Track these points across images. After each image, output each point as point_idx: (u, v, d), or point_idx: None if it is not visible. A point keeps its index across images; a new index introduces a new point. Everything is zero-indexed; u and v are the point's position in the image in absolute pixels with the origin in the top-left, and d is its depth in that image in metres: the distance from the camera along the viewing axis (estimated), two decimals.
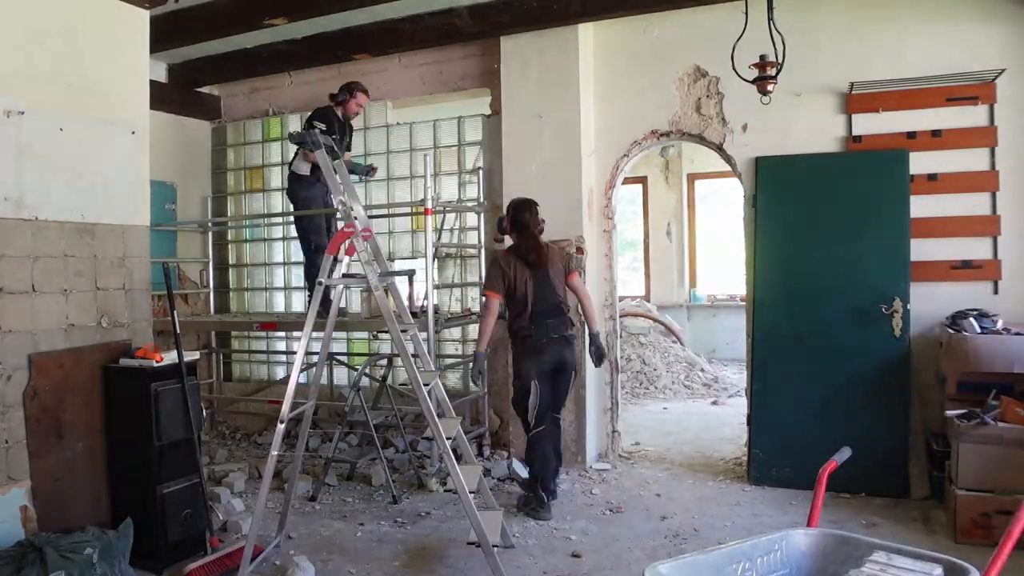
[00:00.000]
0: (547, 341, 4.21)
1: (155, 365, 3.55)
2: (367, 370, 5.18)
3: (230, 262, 6.84)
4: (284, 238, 6.58)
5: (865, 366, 4.44)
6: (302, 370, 4.04)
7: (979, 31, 4.42)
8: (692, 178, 9.88)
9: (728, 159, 5.01)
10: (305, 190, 5.25)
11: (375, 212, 5.96)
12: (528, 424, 4.24)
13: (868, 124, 4.63)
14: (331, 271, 3.57)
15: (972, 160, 4.46)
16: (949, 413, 3.94)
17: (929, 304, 4.44)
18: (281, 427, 3.40)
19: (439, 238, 5.56)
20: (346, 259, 3.71)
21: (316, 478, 4.80)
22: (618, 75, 5.29)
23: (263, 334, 6.62)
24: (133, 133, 3.83)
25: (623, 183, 5.62)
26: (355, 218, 3.51)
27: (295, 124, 6.32)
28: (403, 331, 3.51)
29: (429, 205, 4.89)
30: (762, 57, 3.93)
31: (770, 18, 3.77)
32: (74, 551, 2.90)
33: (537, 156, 5.22)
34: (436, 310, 5.14)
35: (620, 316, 5.71)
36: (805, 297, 4.61)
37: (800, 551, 2.22)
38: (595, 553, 3.69)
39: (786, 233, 4.69)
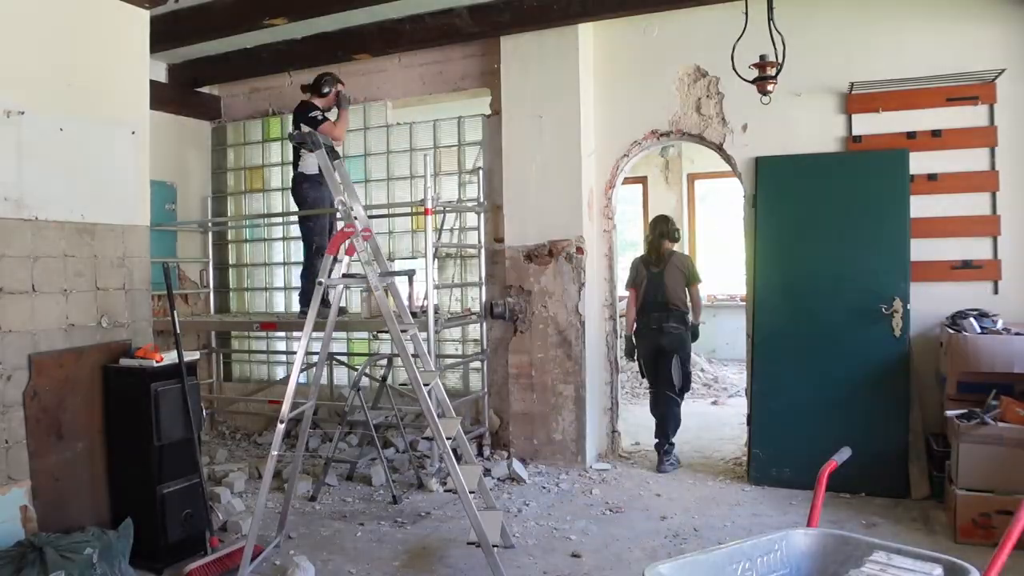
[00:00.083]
0: (647, 330, 5.25)
1: (155, 365, 3.55)
2: (367, 370, 5.18)
3: (230, 262, 6.84)
4: (284, 238, 6.58)
5: (865, 366, 4.44)
6: (302, 370, 4.04)
7: (979, 31, 4.43)
8: (692, 178, 9.87)
9: (728, 159, 5.01)
10: (315, 190, 5.23)
11: (375, 212, 5.96)
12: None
13: (868, 124, 4.63)
14: (331, 271, 3.57)
15: (972, 160, 4.46)
16: (949, 413, 3.95)
17: (929, 304, 4.44)
18: (281, 427, 3.40)
19: (439, 238, 5.56)
20: (346, 259, 3.71)
21: (316, 478, 4.80)
22: (618, 75, 5.29)
23: (263, 334, 6.62)
24: (133, 133, 3.83)
25: (623, 183, 5.62)
26: (355, 218, 3.51)
27: None
28: (403, 331, 3.51)
29: (429, 205, 4.89)
30: (762, 57, 3.93)
31: (770, 18, 3.77)
32: (74, 551, 2.90)
33: (537, 156, 5.22)
34: (436, 310, 5.14)
35: (620, 316, 5.71)
36: (805, 297, 4.61)
37: (800, 551, 2.22)
38: (595, 553, 3.69)
39: (786, 233, 4.70)
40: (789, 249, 4.69)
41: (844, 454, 2.46)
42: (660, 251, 5.29)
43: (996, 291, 4.44)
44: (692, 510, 4.28)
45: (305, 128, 4.96)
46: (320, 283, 3.45)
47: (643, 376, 5.60)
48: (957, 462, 3.72)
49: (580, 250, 5.11)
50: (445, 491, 4.69)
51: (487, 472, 4.88)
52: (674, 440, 5.21)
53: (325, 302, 3.86)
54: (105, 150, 3.68)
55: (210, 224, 6.63)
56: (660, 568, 1.99)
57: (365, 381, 5.38)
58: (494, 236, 5.57)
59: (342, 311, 5.14)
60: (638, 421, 6.61)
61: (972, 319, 4.12)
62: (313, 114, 5.11)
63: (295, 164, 5.33)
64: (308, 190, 5.25)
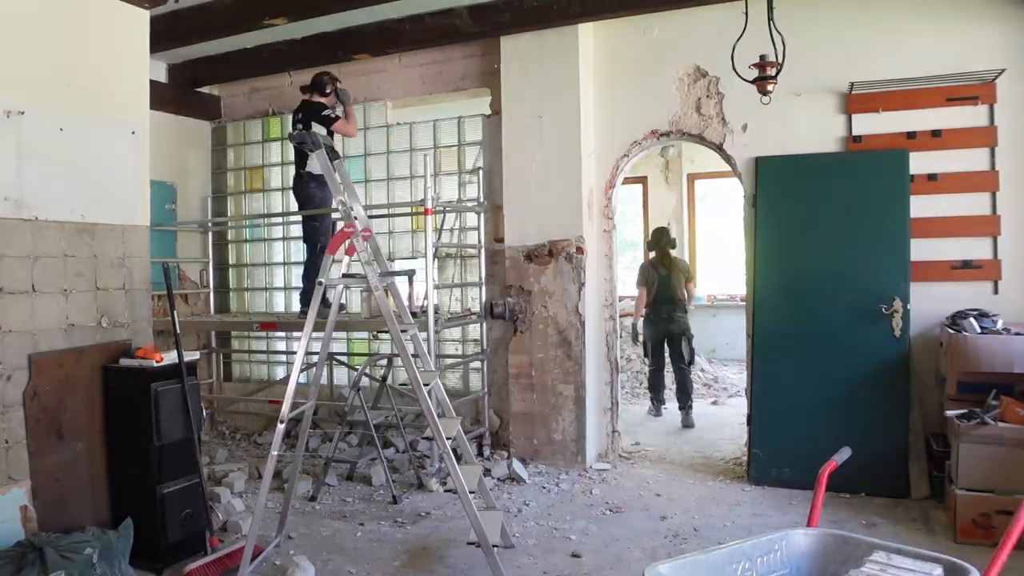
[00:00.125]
0: (658, 319, 6.61)
1: (155, 365, 3.55)
2: (367, 370, 5.18)
3: (230, 262, 6.84)
4: (284, 238, 6.58)
5: (865, 366, 4.44)
6: (302, 370, 4.04)
7: (979, 31, 4.42)
8: (692, 178, 9.87)
9: (728, 159, 5.01)
10: (322, 190, 5.23)
11: (375, 212, 5.96)
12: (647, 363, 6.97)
13: (868, 124, 4.63)
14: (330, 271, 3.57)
15: (972, 160, 4.46)
16: (949, 413, 3.95)
17: (929, 304, 4.44)
18: (281, 427, 3.40)
19: (439, 238, 5.56)
20: (346, 259, 3.71)
21: (316, 478, 4.80)
22: (618, 75, 5.29)
23: (263, 334, 6.62)
24: (133, 133, 3.83)
25: (623, 183, 5.62)
26: (355, 218, 3.51)
27: None
28: (403, 331, 3.51)
29: (429, 205, 4.89)
30: (762, 57, 3.93)
31: (770, 18, 3.77)
32: (74, 551, 2.90)
33: (537, 156, 5.22)
34: (436, 310, 5.14)
35: (620, 316, 5.72)
36: (805, 297, 4.61)
37: (800, 551, 2.22)
38: (595, 553, 3.69)
39: (786, 233, 4.70)
40: (789, 249, 4.69)
41: (844, 454, 2.46)
42: (668, 257, 6.67)
43: (996, 291, 4.44)
44: (692, 510, 4.28)
45: (319, 128, 4.97)
46: (320, 283, 3.45)
47: (646, 355, 6.88)
48: (957, 462, 3.72)
49: (580, 250, 5.11)
50: (445, 491, 4.69)
51: (487, 472, 4.88)
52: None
53: (325, 302, 3.86)
54: (105, 150, 3.68)
55: (210, 224, 6.63)
56: (660, 568, 1.99)
57: (365, 381, 5.39)
58: (494, 236, 5.56)
59: (341, 308, 5.14)
60: (638, 421, 6.63)
61: (972, 319, 4.12)
62: (326, 112, 5.16)
63: (299, 163, 5.33)
64: (315, 190, 5.26)
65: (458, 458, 3.61)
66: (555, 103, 5.16)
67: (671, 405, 6.87)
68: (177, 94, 6.36)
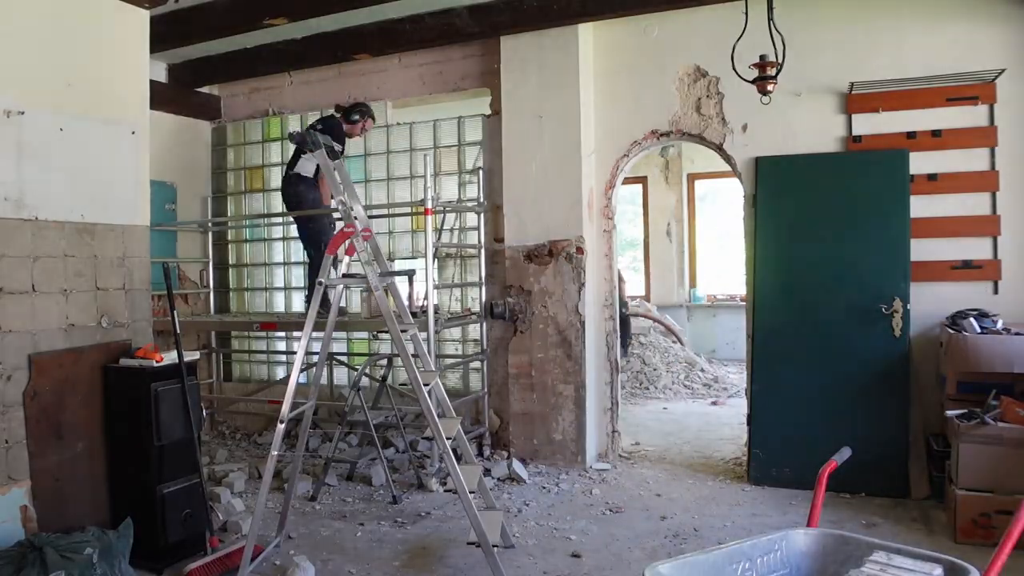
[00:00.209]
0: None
1: (155, 365, 3.55)
2: (367, 370, 5.18)
3: (230, 262, 6.83)
4: (284, 238, 6.58)
5: (865, 366, 4.44)
6: (302, 370, 4.04)
7: (979, 31, 4.42)
8: (692, 178, 9.88)
9: (728, 159, 5.01)
10: (312, 192, 5.24)
11: (375, 212, 5.96)
12: None
13: (868, 124, 4.63)
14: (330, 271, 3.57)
15: (972, 160, 4.46)
16: (949, 413, 3.95)
17: (929, 304, 4.44)
18: (281, 427, 3.40)
19: (439, 238, 5.56)
20: (346, 259, 3.71)
21: (316, 478, 4.80)
22: (618, 75, 5.29)
23: (263, 334, 6.62)
24: (133, 133, 3.83)
25: (623, 183, 5.62)
26: (355, 218, 3.51)
27: (295, 124, 6.32)
28: (403, 331, 3.51)
29: (429, 205, 4.89)
30: (762, 57, 3.93)
31: (770, 18, 3.77)
32: (74, 551, 2.90)
33: (537, 156, 5.22)
34: (436, 310, 5.14)
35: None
36: (805, 297, 4.61)
37: (800, 551, 2.22)
38: (595, 553, 3.69)
39: (786, 233, 4.70)
40: (789, 249, 4.69)
41: (844, 454, 2.46)
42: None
43: (996, 291, 4.44)
44: (692, 510, 4.28)
45: (333, 143, 4.95)
46: (320, 283, 3.45)
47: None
48: (957, 462, 3.72)
49: (580, 250, 5.11)
50: (445, 491, 4.69)
51: (487, 472, 4.88)
52: None
53: (325, 302, 3.87)
54: (105, 150, 3.68)
55: (210, 224, 6.63)
56: (660, 568, 1.99)
57: (365, 381, 5.39)
58: (494, 236, 5.56)
59: (341, 311, 5.14)
60: (638, 421, 6.63)
61: (972, 319, 4.11)
62: (340, 138, 5.06)
63: (290, 165, 5.34)
64: (305, 192, 5.27)
65: (458, 458, 3.61)
66: (555, 103, 5.16)
67: (671, 405, 6.87)
68: (177, 94, 6.36)
